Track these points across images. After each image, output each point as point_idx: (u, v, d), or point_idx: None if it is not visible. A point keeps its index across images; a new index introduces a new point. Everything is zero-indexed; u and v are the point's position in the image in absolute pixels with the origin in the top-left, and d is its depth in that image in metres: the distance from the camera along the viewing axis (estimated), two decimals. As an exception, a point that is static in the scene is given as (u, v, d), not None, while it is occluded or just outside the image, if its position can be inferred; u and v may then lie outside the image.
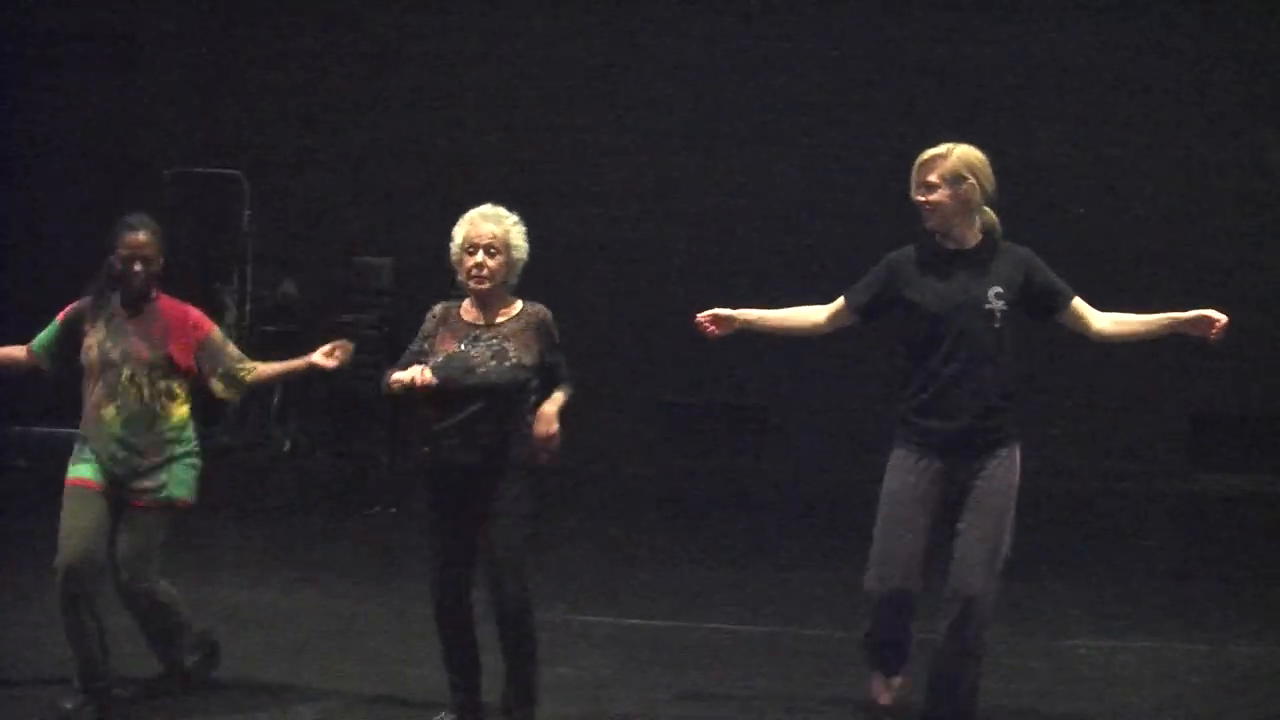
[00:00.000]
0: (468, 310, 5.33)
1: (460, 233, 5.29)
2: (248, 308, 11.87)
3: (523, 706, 5.36)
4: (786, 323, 5.75)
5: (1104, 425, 11.44)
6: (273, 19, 12.31)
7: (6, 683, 5.91)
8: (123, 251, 5.64)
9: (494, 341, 5.22)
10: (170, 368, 5.69)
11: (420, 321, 5.43)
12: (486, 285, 5.24)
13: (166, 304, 5.77)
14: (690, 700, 5.94)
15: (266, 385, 6.11)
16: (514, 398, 5.19)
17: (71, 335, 5.74)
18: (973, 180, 5.25)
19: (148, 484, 5.63)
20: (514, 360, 5.19)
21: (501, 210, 5.35)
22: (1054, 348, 11.29)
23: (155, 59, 12.22)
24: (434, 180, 11.48)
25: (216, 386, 5.81)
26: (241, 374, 5.81)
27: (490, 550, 5.22)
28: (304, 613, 7.17)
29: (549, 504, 8.77)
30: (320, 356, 5.73)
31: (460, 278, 5.28)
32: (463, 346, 5.22)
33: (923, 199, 5.27)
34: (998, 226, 5.37)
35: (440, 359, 5.21)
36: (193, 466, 5.77)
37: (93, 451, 5.63)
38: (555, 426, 5.20)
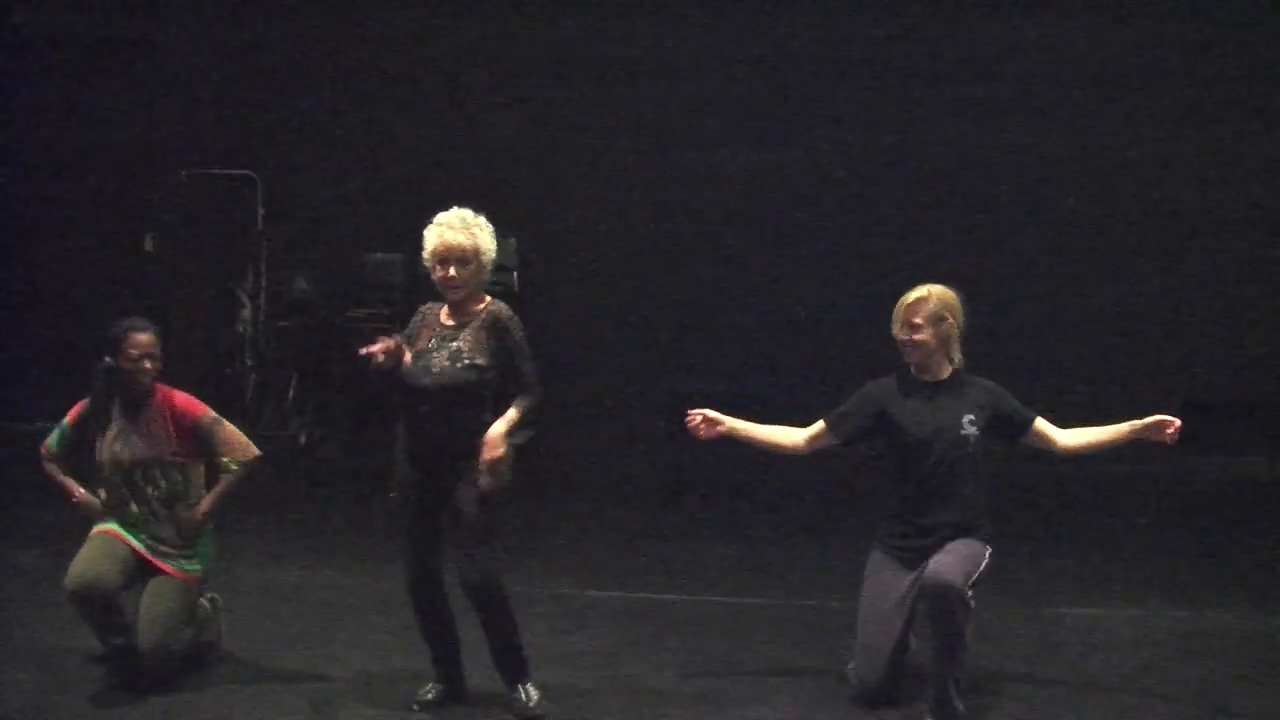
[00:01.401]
0: (444, 313, 5.52)
1: (430, 243, 5.43)
2: (262, 304, 12.17)
3: (516, 673, 5.59)
4: (769, 439, 6.06)
5: (1098, 410, 11.66)
6: (285, 26, 12.56)
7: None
8: (132, 353, 5.83)
9: (454, 344, 5.40)
10: (180, 460, 5.96)
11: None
12: (460, 293, 5.44)
13: (162, 395, 5.98)
14: (695, 667, 6.25)
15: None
16: (468, 395, 5.37)
17: (81, 437, 6.00)
18: (951, 320, 5.74)
19: (172, 552, 5.94)
20: (467, 361, 5.37)
21: (467, 215, 5.46)
22: (1051, 336, 11.67)
23: (172, 65, 12.45)
24: (444, 178, 11.74)
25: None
26: (221, 469, 6.01)
27: (456, 526, 5.44)
28: (329, 589, 7.50)
29: (554, 489, 9.12)
30: None
31: (435, 284, 5.46)
32: (429, 345, 5.43)
33: (907, 338, 5.72)
34: (962, 360, 5.83)
35: (410, 355, 5.43)
36: (212, 539, 6.09)
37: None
38: (499, 451, 5.28)
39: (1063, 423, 5.91)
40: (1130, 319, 11.72)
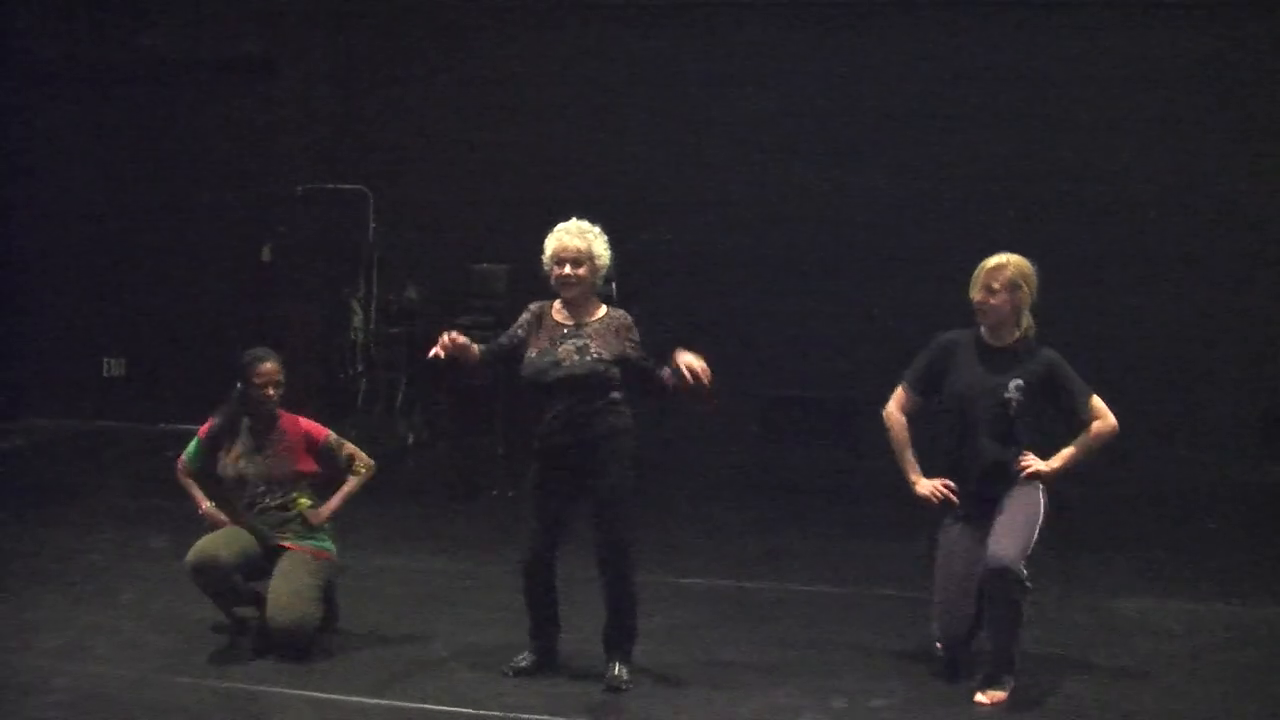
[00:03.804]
0: (558, 311, 6.10)
1: (550, 246, 6.05)
2: (373, 312, 12.70)
3: (620, 650, 6.11)
4: (908, 440, 6.36)
5: (1177, 419, 11.89)
6: (394, 46, 13.06)
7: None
8: (258, 380, 6.49)
9: (579, 340, 5.99)
10: (299, 478, 6.62)
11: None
12: (574, 291, 6.03)
13: (287, 420, 6.63)
14: (770, 647, 6.70)
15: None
16: (597, 383, 5.96)
17: (211, 453, 6.64)
18: (1025, 289, 6.15)
19: (295, 536, 6.55)
20: (595, 355, 5.96)
21: (584, 224, 6.07)
22: (1131, 347, 11.92)
23: (288, 85, 12.96)
24: (545, 192, 12.15)
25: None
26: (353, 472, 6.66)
27: (599, 503, 5.98)
28: (435, 574, 8.06)
29: (655, 487, 9.59)
30: None
31: (551, 283, 6.08)
32: (551, 344, 6.00)
33: (983, 300, 6.15)
34: (1033, 328, 6.23)
35: (533, 354, 6.03)
36: (332, 533, 6.70)
37: None
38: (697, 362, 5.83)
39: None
40: (1210, 330, 11.93)
